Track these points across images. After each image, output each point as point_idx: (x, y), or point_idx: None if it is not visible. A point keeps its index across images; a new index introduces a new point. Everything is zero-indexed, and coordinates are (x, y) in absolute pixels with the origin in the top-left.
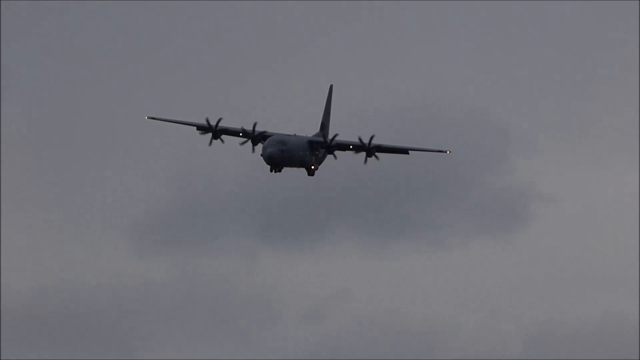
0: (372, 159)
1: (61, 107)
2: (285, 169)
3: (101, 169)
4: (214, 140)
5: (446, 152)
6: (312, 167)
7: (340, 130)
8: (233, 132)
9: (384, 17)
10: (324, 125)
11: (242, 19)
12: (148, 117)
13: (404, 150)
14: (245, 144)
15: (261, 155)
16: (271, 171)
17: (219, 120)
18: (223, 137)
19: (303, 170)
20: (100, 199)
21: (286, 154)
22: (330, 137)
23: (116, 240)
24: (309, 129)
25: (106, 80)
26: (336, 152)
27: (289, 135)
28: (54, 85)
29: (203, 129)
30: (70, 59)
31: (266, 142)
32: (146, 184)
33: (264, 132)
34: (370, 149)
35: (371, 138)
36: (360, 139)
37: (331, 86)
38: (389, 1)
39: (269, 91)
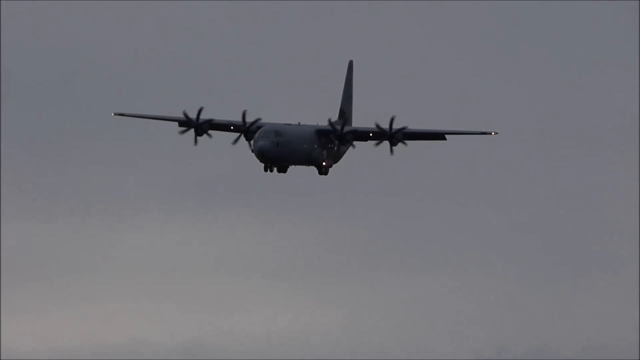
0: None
1: None
2: (291, 168)
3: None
4: (198, 138)
5: (491, 133)
6: (324, 163)
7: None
8: (221, 126)
9: None
10: (344, 112)
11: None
12: (115, 114)
13: (440, 135)
14: (239, 142)
15: (252, 150)
16: (266, 170)
17: (200, 110)
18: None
19: (313, 169)
20: None
21: (284, 148)
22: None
23: None
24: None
25: None
26: (355, 143)
27: (289, 124)
28: None
29: (184, 124)
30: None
31: (257, 134)
32: None
33: (258, 119)
34: (393, 135)
35: (392, 120)
36: (377, 125)
37: (351, 62)
38: None
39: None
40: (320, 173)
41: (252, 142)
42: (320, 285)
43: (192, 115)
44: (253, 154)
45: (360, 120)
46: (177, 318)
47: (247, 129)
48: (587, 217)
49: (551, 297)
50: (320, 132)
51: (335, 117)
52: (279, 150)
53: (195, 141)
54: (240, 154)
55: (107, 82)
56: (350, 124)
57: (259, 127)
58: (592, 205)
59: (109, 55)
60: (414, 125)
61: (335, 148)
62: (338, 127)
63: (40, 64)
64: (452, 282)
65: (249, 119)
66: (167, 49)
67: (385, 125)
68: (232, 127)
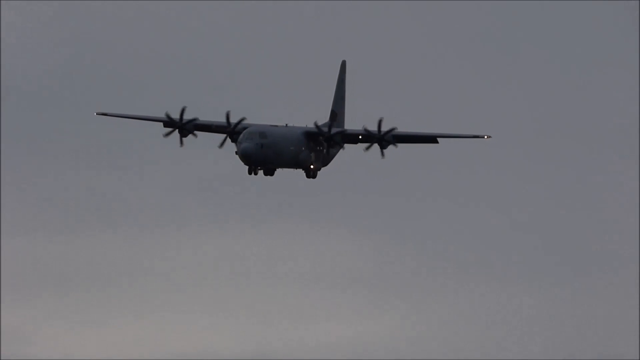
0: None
1: None
2: (278, 171)
3: None
4: (183, 139)
5: (484, 137)
6: (312, 166)
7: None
8: (206, 126)
9: None
10: (335, 114)
11: None
12: (97, 113)
13: (432, 138)
14: (225, 143)
15: (236, 152)
16: (250, 173)
17: (183, 109)
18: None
19: (300, 172)
20: None
21: (268, 150)
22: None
23: None
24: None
25: None
26: (345, 146)
27: (275, 126)
28: None
29: (169, 124)
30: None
31: (241, 135)
32: None
33: (243, 119)
34: (382, 138)
35: (380, 122)
36: (366, 128)
37: (343, 62)
38: None
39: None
40: (308, 176)
41: (236, 144)
42: (319, 287)
43: (176, 115)
44: (237, 156)
45: (352, 121)
46: (177, 326)
47: (232, 130)
48: (587, 217)
49: (551, 297)
50: (309, 134)
51: (326, 118)
52: (264, 152)
53: (181, 142)
54: (227, 156)
55: (107, 82)
56: (343, 126)
57: (244, 128)
58: (592, 205)
59: (108, 55)
60: (409, 127)
61: (324, 151)
62: (324, 130)
63: (40, 64)
64: (450, 282)
65: (235, 119)
66: (163, 49)
67: (375, 127)
68: (217, 128)
